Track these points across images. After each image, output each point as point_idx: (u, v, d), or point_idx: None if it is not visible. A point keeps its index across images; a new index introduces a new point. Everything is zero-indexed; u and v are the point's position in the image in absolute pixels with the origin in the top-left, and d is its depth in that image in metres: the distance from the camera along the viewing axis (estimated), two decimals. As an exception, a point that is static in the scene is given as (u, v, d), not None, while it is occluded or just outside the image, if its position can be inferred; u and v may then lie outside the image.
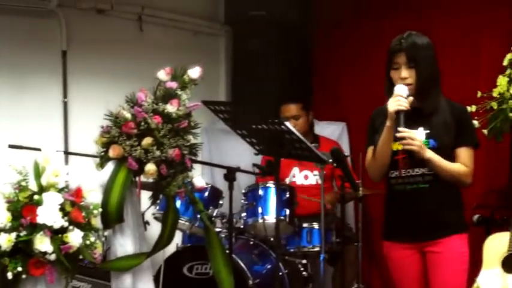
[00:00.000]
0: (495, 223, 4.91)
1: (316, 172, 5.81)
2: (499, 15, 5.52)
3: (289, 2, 6.39)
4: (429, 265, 3.86)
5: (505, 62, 4.59)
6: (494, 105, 4.56)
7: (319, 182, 5.37)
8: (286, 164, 5.58)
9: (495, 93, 4.57)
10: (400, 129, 3.69)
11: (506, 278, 4.22)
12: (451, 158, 3.83)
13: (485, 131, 4.61)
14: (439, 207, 3.84)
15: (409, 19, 5.71)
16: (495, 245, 4.32)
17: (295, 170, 5.93)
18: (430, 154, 3.76)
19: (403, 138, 3.70)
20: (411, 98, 3.73)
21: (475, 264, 4.26)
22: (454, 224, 3.87)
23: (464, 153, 3.85)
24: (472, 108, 4.46)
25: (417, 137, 3.74)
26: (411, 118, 3.75)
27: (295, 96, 6.03)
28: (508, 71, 4.56)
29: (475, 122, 4.36)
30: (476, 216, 5.02)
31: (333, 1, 6.47)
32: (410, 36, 3.79)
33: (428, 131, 3.81)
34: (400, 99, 3.70)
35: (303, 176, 5.93)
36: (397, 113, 3.70)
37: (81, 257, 3.32)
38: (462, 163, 3.83)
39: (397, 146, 3.80)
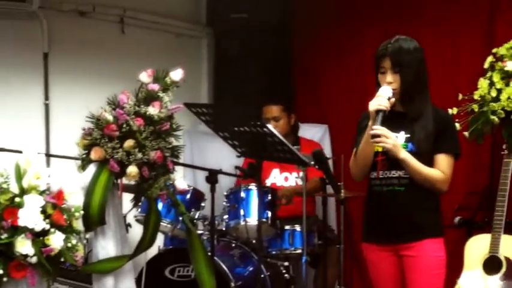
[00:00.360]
0: (476, 225, 4.92)
1: (295, 174, 5.82)
2: (479, 17, 5.54)
3: (271, 5, 6.38)
4: (405, 269, 3.85)
5: (486, 65, 4.60)
6: (475, 107, 4.57)
7: (299, 183, 5.38)
8: (266, 166, 5.58)
9: (476, 96, 4.58)
10: (374, 126, 3.69)
11: (487, 279, 4.24)
12: (430, 164, 3.82)
13: (466, 134, 4.62)
14: (414, 210, 3.83)
15: (390, 22, 5.72)
16: (477, 247, 4.34)
17: (276, 172, 5.94)
18: (404, 154, 3.74)
19: (377, 136, 3.70)
20: (393, 100, 3.73)
21: (456, 266, 4.27)
22: (428, 228, 3.84)
23: (443, 160, 3.83)
24: (453, 111, 4.47)
25: (393, 136, 3.73)
26: (395, 122, 3.76)
27: (277, 98, 6.04)
28: (489, 74, 4.58)
29: (456, 125, 4.37)
30: (457, 218, 5.03)
31: (314, 3, 6.48)
32: (398, 41, 3.78)
33: (408, 135, 3.81)
34: (380, 99, 3.71)
35: (283, 178, 5.93)
36: (377, 112, 3.71)
37: (62, 259, 3.31)
38: (440, 169, 3.82)
39: (377, 148, 3.81)
